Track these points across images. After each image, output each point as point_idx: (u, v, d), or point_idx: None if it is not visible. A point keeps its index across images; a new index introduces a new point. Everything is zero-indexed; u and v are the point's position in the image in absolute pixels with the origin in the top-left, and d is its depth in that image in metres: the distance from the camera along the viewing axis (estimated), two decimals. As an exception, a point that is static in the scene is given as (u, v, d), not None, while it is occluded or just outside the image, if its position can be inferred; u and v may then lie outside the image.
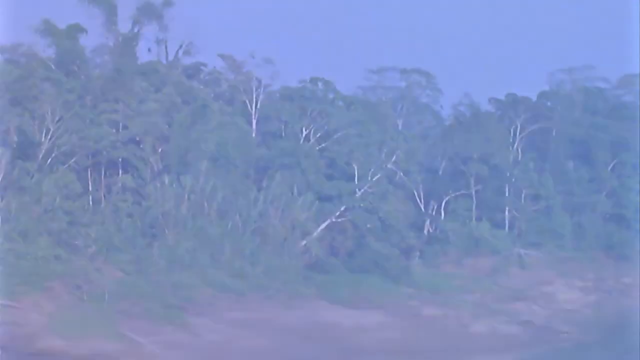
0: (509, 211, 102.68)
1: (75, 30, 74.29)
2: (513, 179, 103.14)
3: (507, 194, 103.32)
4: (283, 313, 54.47)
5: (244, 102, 76.07)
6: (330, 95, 76.28)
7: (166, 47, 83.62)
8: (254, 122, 74.99)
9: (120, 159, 68.07)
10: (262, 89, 77.06)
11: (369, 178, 66.34)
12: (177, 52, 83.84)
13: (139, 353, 40.79)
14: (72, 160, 63.18)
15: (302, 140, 71.79)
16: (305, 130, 72.32)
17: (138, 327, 43.79)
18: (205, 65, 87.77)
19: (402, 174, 69.73)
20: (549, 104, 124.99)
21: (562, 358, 57.06)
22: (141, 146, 68.54)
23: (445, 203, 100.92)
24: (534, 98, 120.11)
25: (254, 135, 72.89)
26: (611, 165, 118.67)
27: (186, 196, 60.44)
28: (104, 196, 65.98)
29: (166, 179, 61.70)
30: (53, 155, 59.78)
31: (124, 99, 68.82)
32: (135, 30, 79.25)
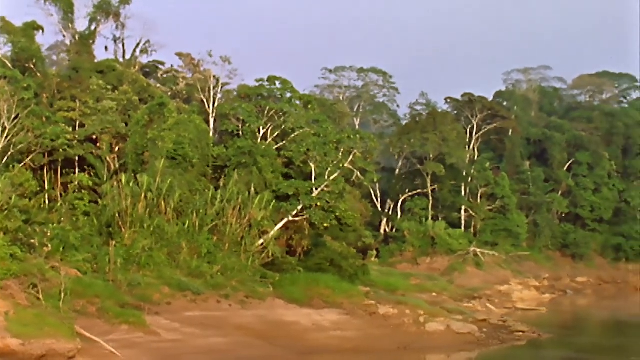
0: (465, 210, 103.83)
1: (32, 27, 74.08)
2: (469, 179, 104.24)
3: (463, 194, 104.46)
4: (240, 312, 54.52)
5: (202, 100, 76.26)
6: (288, 94, 76.42)
7: (123, 46, 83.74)
8: (212, 120, 75.16)
9: (76, 158, 68.02)
10: (219, 87, 77.25)
11: (326, 177, 66.49)
12: (134, 50, 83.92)
13: (95, 352, 40.65)
14: (28, 159, 62.98)
15: (259, 139, 71.97)
16: (263, 129, 72.52)
17: (94, 326, 43.65)
18: (162, 63, 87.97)
19: (359, 173, 69.92)
20: (505, 103, 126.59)
21: (517, 356, 57.59)
22: (98, 144, 68.54)
23: (402, 202, 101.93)
24: (490, 97, 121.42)
25: (211, 134, 72.98)
26: (567, 164, 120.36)
27: (143, 195, 60.31)
28: (60, 195, 65.85)
29: (123, 178, 61.56)
30: (9, 153, 59.52)
31: (81, 97, 68.77)
32: (92, 28, 79.16)
